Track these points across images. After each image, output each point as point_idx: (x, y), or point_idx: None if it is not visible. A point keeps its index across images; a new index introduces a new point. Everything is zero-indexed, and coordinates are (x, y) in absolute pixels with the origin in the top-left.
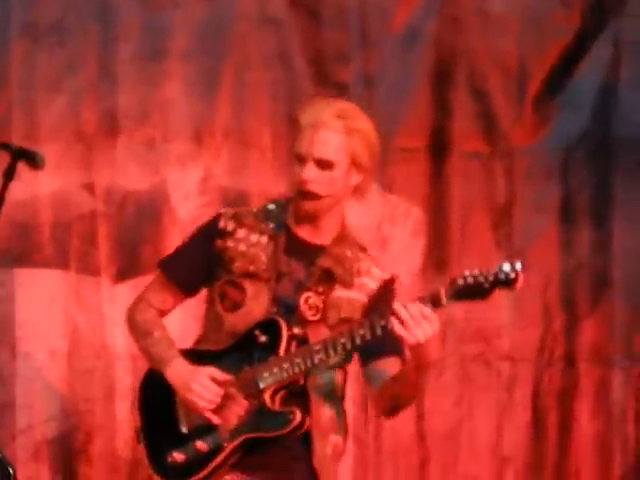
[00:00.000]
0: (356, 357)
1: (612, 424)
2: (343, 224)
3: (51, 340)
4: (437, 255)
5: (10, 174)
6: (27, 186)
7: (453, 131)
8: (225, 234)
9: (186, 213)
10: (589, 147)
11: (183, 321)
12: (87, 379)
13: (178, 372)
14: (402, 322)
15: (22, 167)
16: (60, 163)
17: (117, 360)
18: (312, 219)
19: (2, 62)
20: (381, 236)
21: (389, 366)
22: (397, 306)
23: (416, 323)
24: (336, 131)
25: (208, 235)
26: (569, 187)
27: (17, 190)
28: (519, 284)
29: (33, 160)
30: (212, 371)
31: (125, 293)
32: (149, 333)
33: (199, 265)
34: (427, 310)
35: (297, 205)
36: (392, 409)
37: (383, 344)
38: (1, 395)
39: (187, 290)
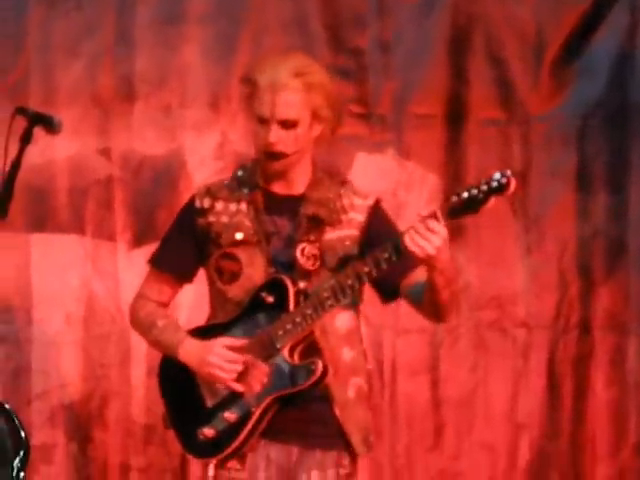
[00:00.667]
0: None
1: (627, 391)
2: (314, 168)
3: (67, 305)
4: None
5: (27, 138)
6: (44, 151)
7: (470, 98)
8: (204, 212)
9: (202, 179)
10: (606, 114)
11: (195, 304)
12: (103, 344)
13: (191, 351)
14: (413, 240)
15: (39, 132)
16: (77, 128)
17: None
18: (282, 175)
19: (19, 27)
20: (397, 202)
21: (419, 277)
22: (406, 230)
23: (425, 238)
24: (296, 90)
25: (187, 218)
26: (585, 154)
27: (33, 155)
28: (511, 188)
29: (50, 125)
30: (226, 340)
31: (141, 258)
32: (153, 324)
33: (188, 250)
34: (433, 224)
35: (266, 166)
36: (440, 313)
37: (399, 264)
38: (17, 360)
39: (183, 277)
